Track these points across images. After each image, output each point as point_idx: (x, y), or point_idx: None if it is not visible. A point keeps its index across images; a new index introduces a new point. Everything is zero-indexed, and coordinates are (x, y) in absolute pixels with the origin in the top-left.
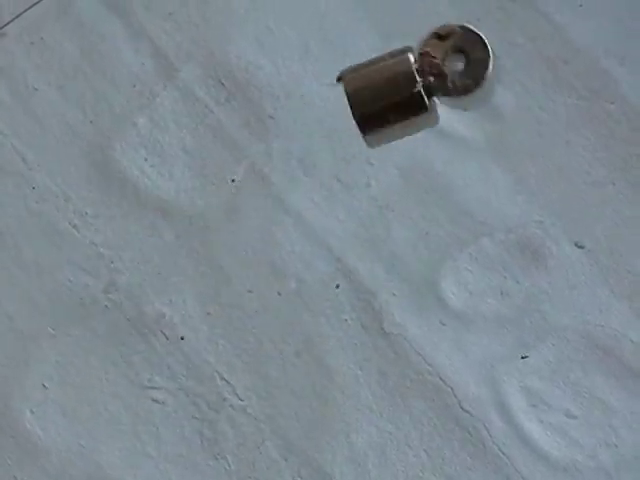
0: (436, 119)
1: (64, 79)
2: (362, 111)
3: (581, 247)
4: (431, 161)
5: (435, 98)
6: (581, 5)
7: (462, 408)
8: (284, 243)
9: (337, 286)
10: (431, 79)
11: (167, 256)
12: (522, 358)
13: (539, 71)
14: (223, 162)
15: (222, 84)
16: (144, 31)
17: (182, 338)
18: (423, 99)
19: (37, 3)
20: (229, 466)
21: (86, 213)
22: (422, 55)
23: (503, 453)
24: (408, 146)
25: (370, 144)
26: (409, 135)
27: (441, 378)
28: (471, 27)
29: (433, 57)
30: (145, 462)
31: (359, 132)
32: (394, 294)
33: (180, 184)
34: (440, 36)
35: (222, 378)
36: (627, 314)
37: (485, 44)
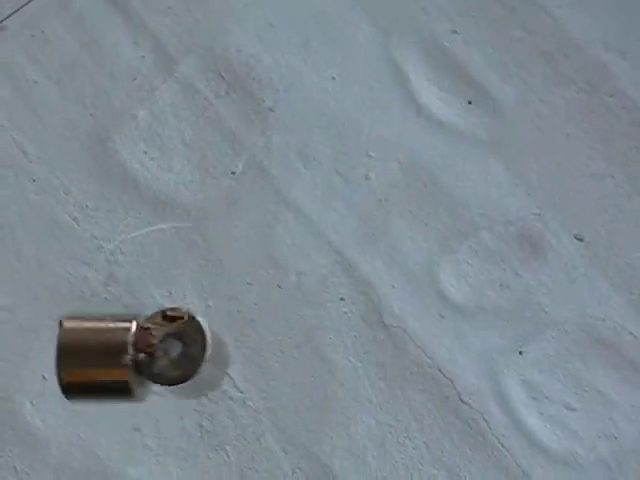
0: (140, 396)
1: (64, 72)
2: (67, 371)
3: (580, 240)
4: (430, 154)
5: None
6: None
7: (462, 400)
8: (284, 236)
9: (337, 279)
10: (141, 356)
11: (167, 249)
12: (520, 353)
13: (539, 65)
14: (223, 155)
15: (222, 77)
16: (144, 25)
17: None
18: (127, 372)
19: None
20: (228, 458)
21: (86, 206)
22: (142, 329)
23: (503, 445)
24: (407, 139)
25: (71, 400)
26: (112, 403)
27: (441, 370)
28: (199, 320)
29: (152, 335)
30: (145, 454)
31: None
32: (393, 287)
33: (180, 177)
34: (167, 317)
35: None
36: (626, 307)
37: (204, 342)
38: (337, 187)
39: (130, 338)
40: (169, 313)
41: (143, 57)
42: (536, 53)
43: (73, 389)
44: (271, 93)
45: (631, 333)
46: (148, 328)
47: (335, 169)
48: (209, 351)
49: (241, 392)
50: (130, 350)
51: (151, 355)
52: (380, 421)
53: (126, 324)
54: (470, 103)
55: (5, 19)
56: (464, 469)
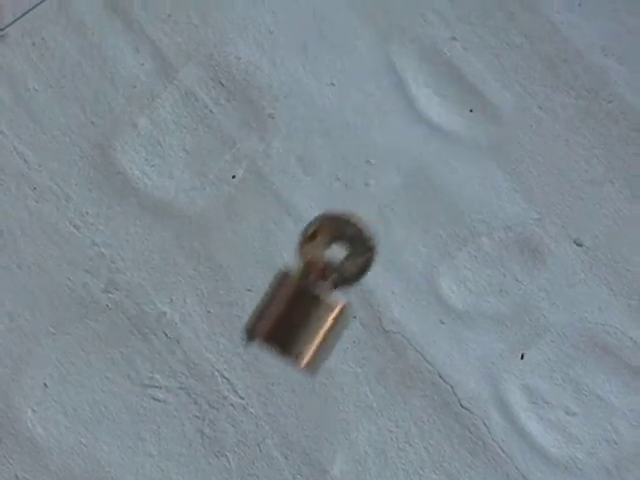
0: (350, 310)
1: (64, 80)
2: (287, 347)
3: (580, 245)
4: (430, 160)
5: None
6: (580, 5)
7: (462, 406)
8: (284, 242)
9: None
10: (326, 282)
11: (167, 255)
12: (520, 358)
13: (538, 71)
14: (223, 162)
15: (222, 84)
16: (144, 32)
17: (178, 341)
18: (331, 304)
19: (38, 5)
20: (229, 464)
21: (87, 213)
22: (306, 265)
23: (503, 450)
24: (407, 146)
25: (312, 373)
26: (340, 338)
27: (441, 376)
28: (331, 213)
29: (316, 262)
30: (146, 460)
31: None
32: (393, 292)
33: (180, 184)
34: (311, 236)
35: (222, 376)
36: (626, 312)
37: (357, 225)
38: (337, 193)
39: (302, 283)
40: (309, 232)
41: (143, 65)
42: (535, 59)
43: (303, 353)
44: (271, 100)
45: (631, 338)
46: (309, 260)
47: (335, 175)
48: (364, 226)
49: (242, 398)
50: (312, 290)
51: (330, 272)
52: (380, 427)
53: (288, 280)
54: (470, 110)
55: (6, 27)
56: (464, 474)
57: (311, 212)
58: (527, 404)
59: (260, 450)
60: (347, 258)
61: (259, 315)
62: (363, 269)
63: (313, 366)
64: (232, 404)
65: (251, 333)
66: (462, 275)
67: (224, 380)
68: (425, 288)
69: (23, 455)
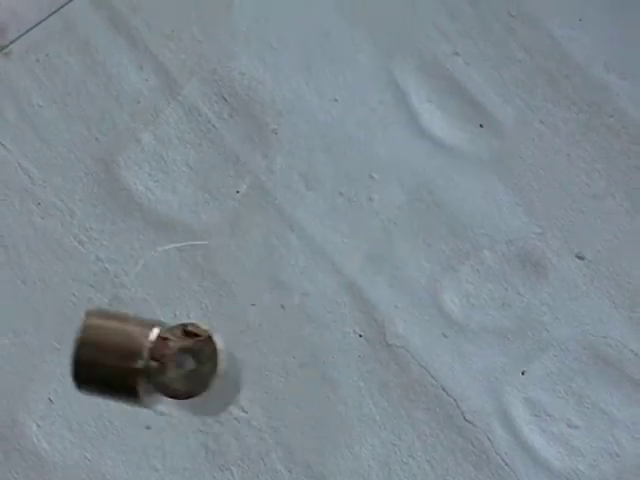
0: (146, 402)
1: (69, 96)
2: (82, 362)
3: (581, 258)
4: (433, 175)
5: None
6: (581, 20)
7: (465, 419)
8: (287, 257)
9: (340, 299)
10: (153, 364)
11: (171, 270)
12: (522, 372)
13: (539, 86)
14: (226, 177)
15: (225, 100)
16: (148, 48)
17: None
18: (137, 378)
19: (42, 22)
20: (233, 477)
21: (91, 228)
22: (160, 338)
23: (506, 463)
24: (409, 160)
25: (80, 390)
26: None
27: (444, 389)
28: (216, 342)
29: (168, 347)
30: (151, 475)
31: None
32: (396, 306)
33: (184, 199)
34: (187, 332)
35: None
36: (628, 325)
37: (217, 364)
38: (340, 208)
39: (148, 344)
40: (190, 329)
41: (147, 80)
42: (537, 74)
43: (84, 380)
44: (274, 115)
45: (632, 351)
46: (166, 338)
47: (338, 190)
48: (220, 374)
49: (245, 412)
50: (145, 356)
51: (163, 365)
52: (384, 440)
53: (146, 330)
54: (471, 124)
55: (10, 43)
56: None
57: (314, 227)
58: (530, 417)
59: (264, 464)
60: (184, 375)
61: (104, 320)
62: (183, 395)
63: (81, 386)
64: (236, 418)
65: (86, 315)
66: (465, 289)
67: None
68: (428, 302)
69: (28, 470)
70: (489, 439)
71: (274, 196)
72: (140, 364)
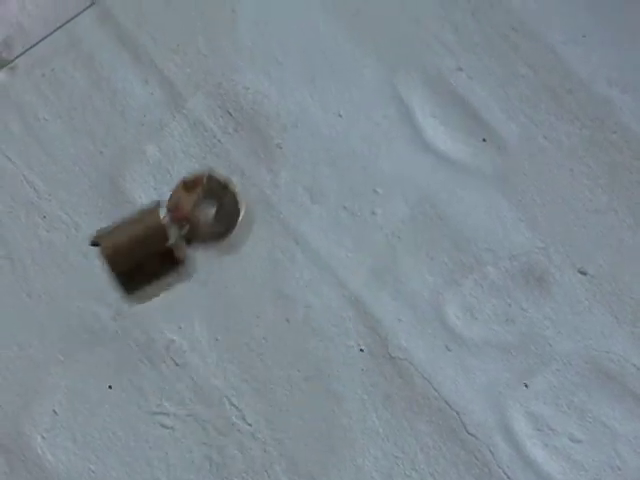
0: (189, 273)
1: (74, 111)
2: (121, 273)
3: (584, 274)
4: (436, 190)
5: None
6: (584, 36)
7: (468, 432)
8: (292, 270)
9: (344, 313)
10: (183, 231)
11: (176, 286)
12: (525, 386)
13: (542, 101)
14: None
15: (230, 114)
16: (153, 62)
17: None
18: (174, 254)
19: (48, 36)
20: None
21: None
22: (170, 210)
23: (508, 477)
24: (413, 175)
25: (132, 301)
26: (168, 290)
27: (447, 402)
28: (217, 175)
29: (182, 209)
30: None
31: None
32: (400, 320)
33: None
34: (187, 187)
35: (230, 403)
36: (630, 340)
37: (233, 191)
38: (344, 222)
39: (164, 222)
40: (187, 182)
41: (152, 94)
42: (540, 89)
43: (132, 287)
44: (279, 129)
45: (634, 365)
46: (176, 205)
47: (342, 204)
48: (238, 194)
49: (249, 425)
50: (169, 233)
51: (190, 226)
52: (387, 453)
53: (153, 213)
54: (483, 139)
55: (16, 58)
56: None
57: (318, 241)
58: (532, 431)
59: (268, 476)
60: (211, 220)
61: (113, 229)
62: (219, 236)
63: (134, 296)
64: (240, 430)
65: (97, 240)
66: (468, 303)
67: (232, 407)
68: (432, 316)
69: None
70: (491, 452)
71: (279, 210)
72: (171, 242)
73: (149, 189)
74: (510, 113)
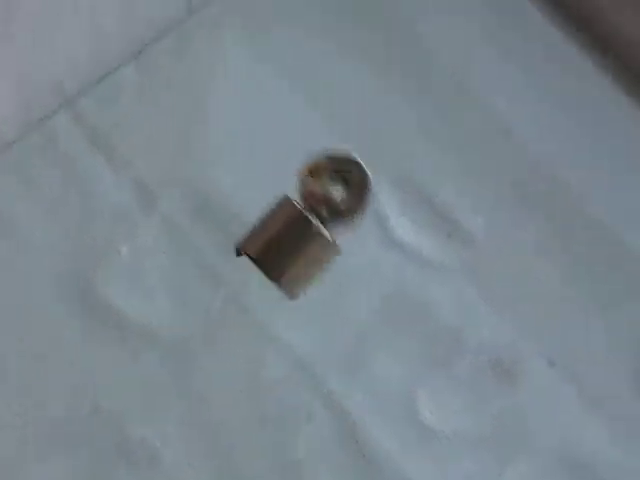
0: (338, 247)
1: (47, 210)
2: (277, 270)
3: (553, 364)
4: (406, 284)
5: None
6: (553, 132)
7: None
8: (265, 368)
9: (316, 410)
10: (323, 213)
11: (150, 381)
12: (499, 477)
13: (508, 193)
14: (203, 290)
15: (201, 212)
16: (126, 161)
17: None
18: (323, 233)
19: (22, 137)
20: None
21: (70, 340)
22: (305, 198)
23: None
24: (383, 271)
25: (292, 297)
26: (322, 270)
27: None
28: (335, 152)
29: (315, 194)
30: None
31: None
32: (371, 414)
33: (162, 312)
34: (312, 172)
35: None
36: (602, 430)
37: (357, 162)
38: (317, 318)
39: (301, 208)
40: (311, 167)
41: (125, 194)
42: (502, 180)
43: (291, 281)
44: (250, 228)
45: (608, 458)
46: (308, 191)
47: (315, 300)
48: (362, 164)
49: None
50: (310, 217)
51: (328, 207)
52: None
53: (287, 204)
54: (442, 234)
55: None
56: None
57: (291, 337)
58: None
59: None
60: (344, 195)
61: (252, 233)
62: (358, 206)
63: (293, 288)
64: None
65: (242, 248)
66: (439, 396)
67: None
68: (402, 409)
69: None
70: None
71: (250, 307)
72: (315, 222)
73: (122, 288)
74: (475, 206)
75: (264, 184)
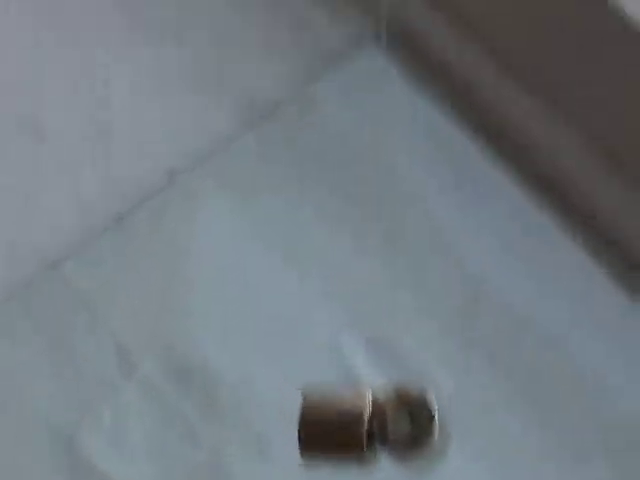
0: (371, 462)
1: (31, 371)
2: (307, 432)
3: None
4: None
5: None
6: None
7: None
8: None
9: None
10: (376, 429)
11: None
12: None
13: (477, 353)
14: (184, 450)
15: (181, 375)
16: (107, 325)
17: None
18: (363, 441)
19: (6, 300)
20: None
21: None
22: (375, 405)
23: None
24: None
25: (306, 460)
26: (343, 465)
27: None
28: (428, 399)
29: (384, 412)
30: None
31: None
32: None
33: (143, 473)
34: (398, 395)
35: None
36: None
37: (433, 420)
38: (298, 477)
39: (366, 412)
40: (400, 392)
41: (106, 357)
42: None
43: (311, 449)
44: (229, 390)
45: None
46: (381, 405)
47: (297, 461)
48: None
49: None
50: (366, 421)
51: (383, 424)
52: None
53: (361, 397)
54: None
55: None
56: None
57: None
58: None
59: None
60: (408, 431)
61: (320, 397)
62: (417, 443)
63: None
64: None
65: (306, 395)
66: None
67: None
68: None
69: None
70: None
71: (231, 470)
72: (364, 428)
73: (104, 448)
74: (448, 368)
75: (243, 347)
